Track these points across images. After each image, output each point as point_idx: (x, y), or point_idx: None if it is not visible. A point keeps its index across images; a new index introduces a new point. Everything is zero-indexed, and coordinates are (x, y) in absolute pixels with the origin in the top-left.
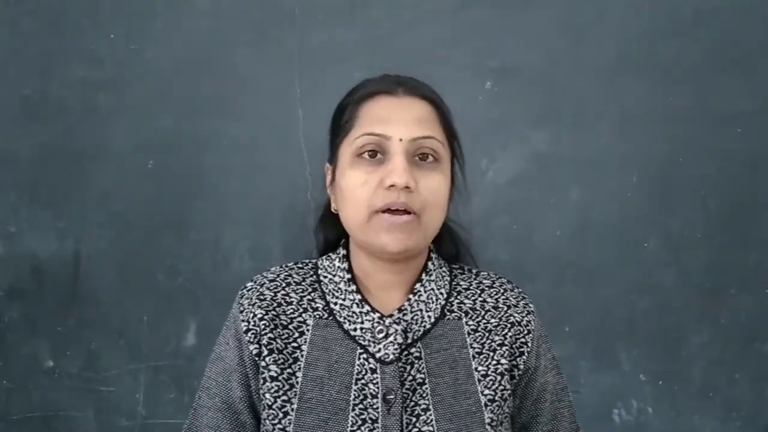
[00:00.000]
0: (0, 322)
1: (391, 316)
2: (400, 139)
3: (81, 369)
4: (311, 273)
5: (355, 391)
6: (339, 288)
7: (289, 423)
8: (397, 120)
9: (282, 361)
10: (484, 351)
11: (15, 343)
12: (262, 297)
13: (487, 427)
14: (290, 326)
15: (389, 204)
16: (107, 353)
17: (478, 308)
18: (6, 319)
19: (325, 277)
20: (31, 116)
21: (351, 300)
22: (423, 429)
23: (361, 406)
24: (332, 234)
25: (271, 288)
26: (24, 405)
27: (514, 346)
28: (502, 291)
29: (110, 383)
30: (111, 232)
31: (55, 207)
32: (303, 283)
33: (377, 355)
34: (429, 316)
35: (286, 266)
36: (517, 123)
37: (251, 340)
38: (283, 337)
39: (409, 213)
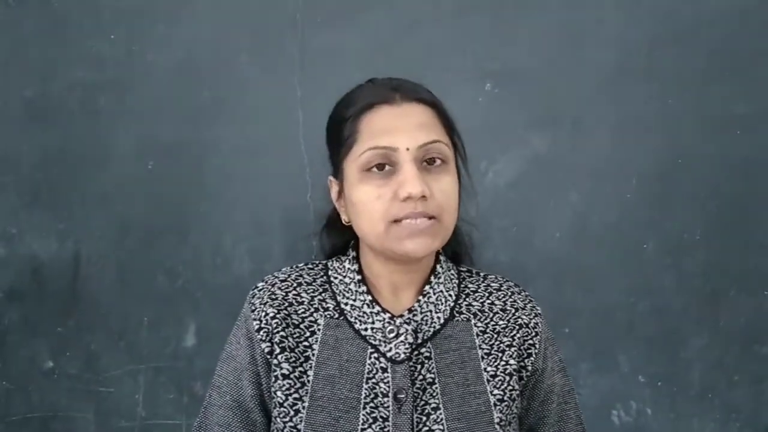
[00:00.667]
0: (0, 324)
1: (401, 316)
2: (407, 149)
3: (80, 370)
4: (321, 274)
5: (366, 389)
6: (349, 289)
7: (300, 421)
8: (400, 129)
9: (294, 359)
10: (492, 352)
11: (15, 344)
12: (273, 296)
13: (496, 426)
14: (301, 325)
15: (408, 215)
16: (107, 354)
17: (486, 310)
18: (6, 321)
19: (336, 277)
20: (32, 118)
21: (362, 301)
22: (433, 428)
23: (372, 404)
24: (339, 240)
25: (283, 288)
26: (23, 406)
27: (522, 347)
28: (509, 294)
29: (110, 384)
30: (111, 234)
31: (55, 209)
32: (314, 284)
33: (388, 355)
34: (438, 317)
35: (297, 267)
36: (517, 125)
37: (263, 338)
38: (294, 336)
39: (428, 217)
